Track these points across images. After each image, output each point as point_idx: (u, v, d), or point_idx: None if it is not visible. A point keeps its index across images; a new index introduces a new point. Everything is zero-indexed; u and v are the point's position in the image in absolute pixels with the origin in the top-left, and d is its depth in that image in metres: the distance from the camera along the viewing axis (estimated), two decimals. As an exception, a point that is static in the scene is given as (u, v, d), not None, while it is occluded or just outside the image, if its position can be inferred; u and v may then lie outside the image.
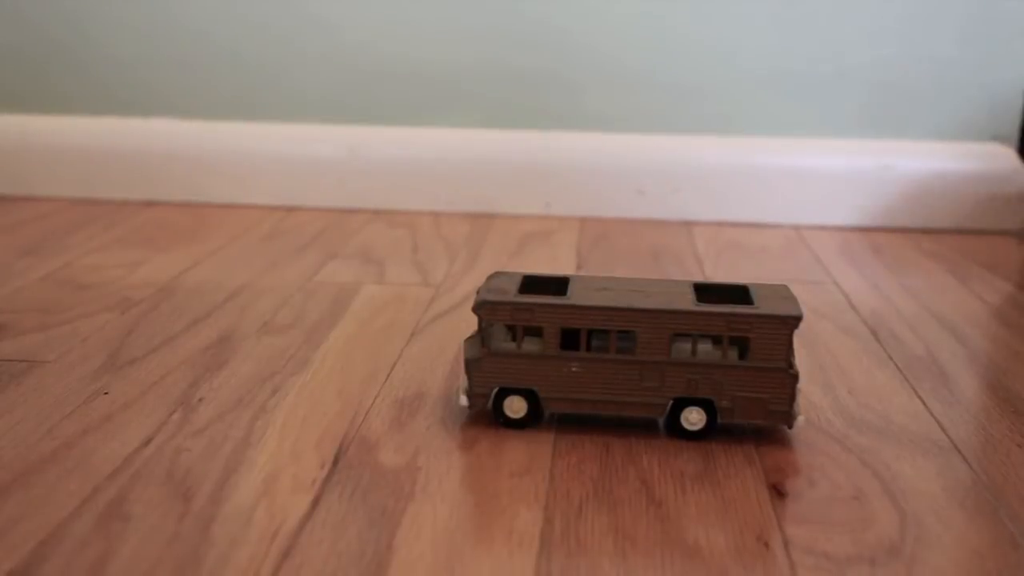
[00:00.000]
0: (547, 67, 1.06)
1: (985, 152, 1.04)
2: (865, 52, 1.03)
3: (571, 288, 0.55)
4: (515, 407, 0.54)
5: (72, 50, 1.10)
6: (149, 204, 1.10)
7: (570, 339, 0.55)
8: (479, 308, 0.53)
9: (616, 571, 0.41)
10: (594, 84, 1.06)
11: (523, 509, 0.46)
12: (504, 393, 0.54)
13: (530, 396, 0.54)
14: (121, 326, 0.70)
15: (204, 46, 1.09)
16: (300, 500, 0.47)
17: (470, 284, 0.82)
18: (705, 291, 0.57)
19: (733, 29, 1.03)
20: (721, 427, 0.55)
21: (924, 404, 0.59)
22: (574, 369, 0.53)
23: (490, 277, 0.57)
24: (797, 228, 1.05)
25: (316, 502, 0.46)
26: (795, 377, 0.52)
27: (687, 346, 0.53)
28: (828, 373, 0.64)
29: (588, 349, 0.53)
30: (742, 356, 0.53)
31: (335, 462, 0.50)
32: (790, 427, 0.53)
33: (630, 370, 0.53)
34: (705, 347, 0.54)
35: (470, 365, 0.54)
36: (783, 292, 0.55)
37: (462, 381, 0.59)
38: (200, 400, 0.58)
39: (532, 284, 0.57)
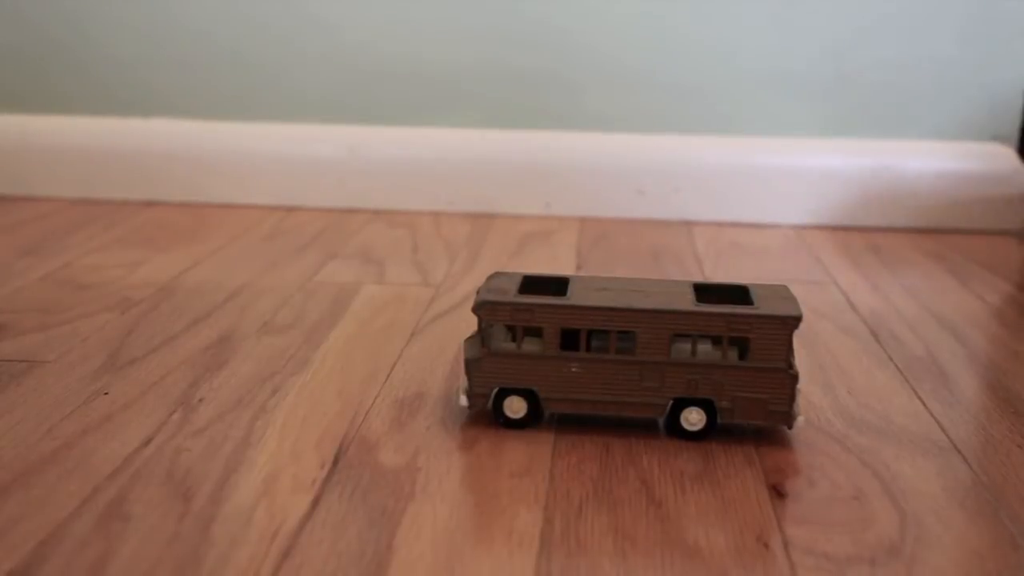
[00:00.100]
0: (547, 67, 1.06)
1: (985, 152, 1.04)
2: (865, 52, 1.03)
3: (571, 288, 0.55)
4: (515, 407, 0.54)
5: (72, 50, 1.10)
6: (149, 204, 1.10)
7: (570, 339, 0.55)
8: (479, 308, 0.53)
9: (616, 571, 0.41)
10: (594, 84, 1.06)
11: (523, 509, 0.46)
12: (504, 393, 0.54)
13: (530, 396, 0.54)
14: (121, 326, 0.70)
15: (204, 46, 1.09)
16: (300, 500, 0.47)
17: (470, 284, 0.82)
18: (705, 291, 0.57)
19: (733, 29, 1.03)
20: (721, 427, 0.55)
21: (924, 404, 0.59)
22: (574, 369, 0.53)
23: (490, 277, 0.57)
24: (797, 228, 1.05)
25: (316, 502, 0.46)
26: (795, 377, 0.52)
27: (687, 346, 0.53)
28: (828, 373, 0.64)
29: (588, 349, 0.53)
30: (742, 356, 0.53)
31: (335, 462, 0.50)
32: (790, 427, 0.53)
33: (630, 370, 0.53)
34: (705, 347, 0.54)
35: (470, 365, 0.54)
36: (783, 292, 0.55)
37: (462, 381, 0.59)
38: (200, 400, 0.58)
39: (532, 284, 0.57)
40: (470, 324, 0.72)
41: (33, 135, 1.11)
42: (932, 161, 1.04)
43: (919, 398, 0.60)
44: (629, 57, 1.05)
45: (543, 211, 1.08)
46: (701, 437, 0.54)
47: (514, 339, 0.54)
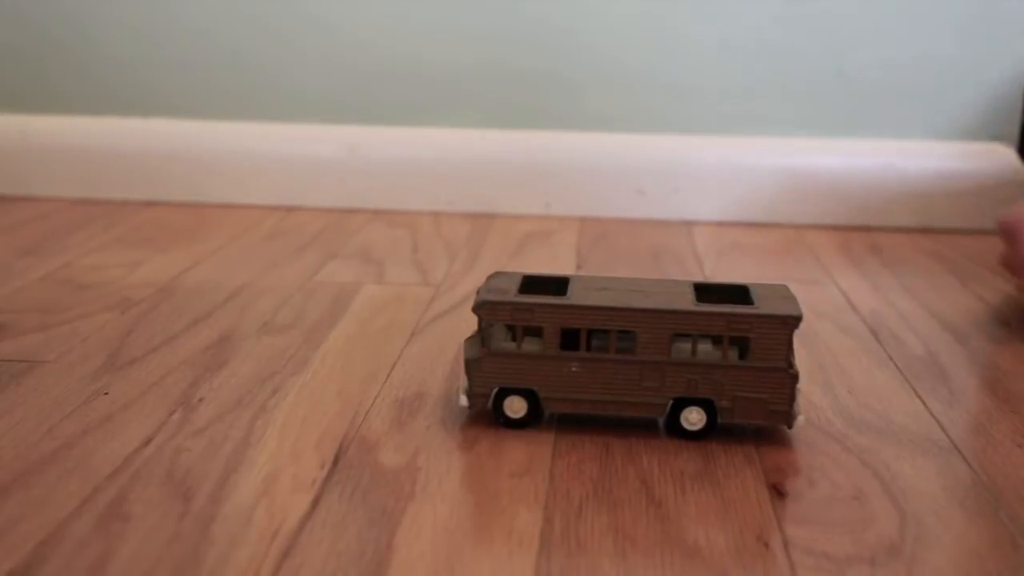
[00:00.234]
0: (547, 67, 1.06)
1: (985, 152, 1.04)
2: (865, 52, 1.03)
3: (571, 288, 0.55)
4: (515, 407, 0.54)
5: (72, 50, 1.10)
6: (149, 204, 1.10)
7: (570, 339, 0.55)
8: (479, 308, 0.53)
9: (616, 571, 0.41)
10: (594, 84, 1.06)
11: (523, 509, 0.46)
12: (504, 393, 0.54)
13: (530, 396, 0.54)
14: (121, 326, 0.70)
15: (204, 46, 1.09)
16: (300, 500, 0.47)
17: (470, 284, 0.82)
18: (705, 291, 0.57)
19: (733, 29, 1.03)
20: (721, 427, 0.55)
21: (924, 404, 0.59)
22: (574, 369, 0.53)
23: (490, 277, 0.57)
24: (797, 228, 1.05)
25: (316, 502, 0.46)
26: (795, 377, 0.52)
27: (687, 346, 0.53)
28: (828, 373, 0.64)
29: (588, 349, 0.53)
30: (742, 356, 0.53)
31: (335, 462, 0.50)
32: (790, 427, 0.53)
33: (630, 370, 0.53)
34: (705, 347, 0.54)
35: (470, 365, 0.54)
36: (783, 292, 0.55)
37: (462, 381, 0.59)
38: (200, 400, 0.58)
39: (532, 284, 0.57)
40: (470, 324, 0.72)
41: (33, 135, 1.11)
42: (932, 161, 1.04)
43: (919, 398, 0.60)
44: (629, 57, 1.05)
45: (543, 211, 1.08)
46: (701, 437, 0.54)
47: (514, 339, 0.54)
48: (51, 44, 1.10)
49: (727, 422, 0.54)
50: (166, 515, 0.45)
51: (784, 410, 0.53)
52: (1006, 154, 1.04)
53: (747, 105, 1.05)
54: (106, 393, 0.58)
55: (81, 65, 1.11)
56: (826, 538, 0.44)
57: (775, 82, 1.04)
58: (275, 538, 0.43)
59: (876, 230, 1.04)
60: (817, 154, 1.05)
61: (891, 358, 0.67)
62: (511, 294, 0.53)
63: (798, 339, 0.70)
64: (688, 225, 1.05)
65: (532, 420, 0.54)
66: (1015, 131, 1.04)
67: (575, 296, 0.53)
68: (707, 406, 0.53)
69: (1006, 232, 0.67)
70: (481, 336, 0.55)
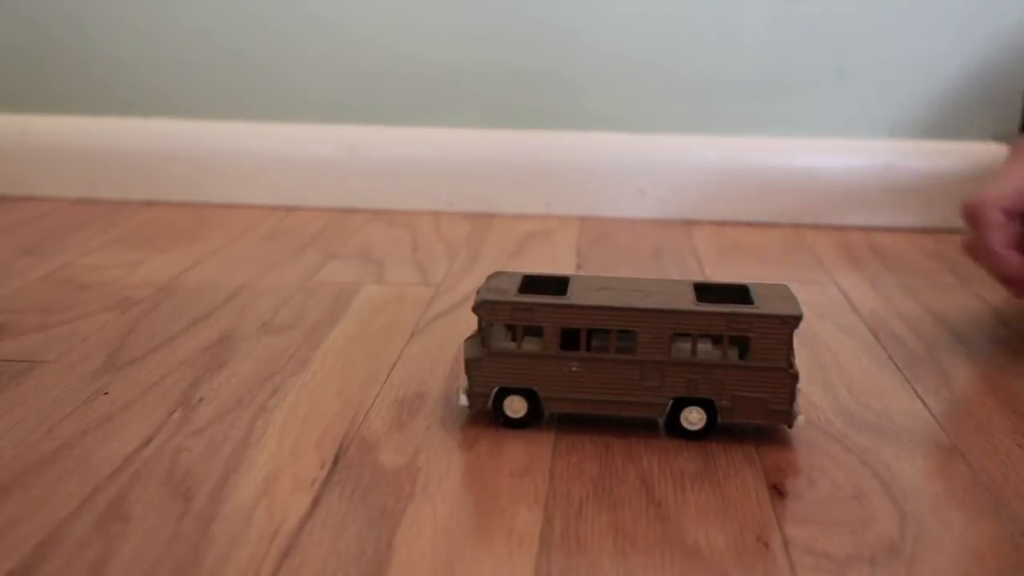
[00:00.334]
0: (547, 67, 1.06)
1: (985, 152, 1.04)
2: (865, 52, 1.03)
3: (571, 288, 0.55)
4: (515, 407, 0.54)
5: (72, 50, 1.10)
6: (149, 204, 1.10)
7: (570, 339, 0.55)
8: (479, 308, 0.53)
9: (616, 571, 0.41)
10: (594, 84, 1.06)
11: (523, 509, 0.46)
12: (504, 393, 0.54)
13: (530, 396, 0.54)
14: (121, 326, 0.70)
15: (204, 46, 1.09)
16: (300, 500, 0.47)
17: (470, 284, 0.82)
18: (705, 291, 0.57)
19: (733, 29, 1.03)
20: (721, 427, 0.55)
21: (924, 404, 0.59)
22: (574, 369, 0.53)
23: (490, 277, 0.57)
24: (797, 228, 1.05)
25: (316, 502, 0.46)
26: (795, 377, 0.52)
27: (687, 346, 0.53)
28: (828, 373, 0.64)
29: (588, 349, 0.53)
30: (742, 356, 0.53)
31: (335, 462, 0.50)
32: (790, 427, 0.53)
33: (630, 370, 0.53)
34: (705, 347, 0.54)
35: (470, 365, 0.54)
36: (783, 292, 0.55)
37: (462, 381, 0.59)
38: (200, 400, 0.58)
39: (532, 284, 0.57)
40: (470, 324, 0.72)
41: (33, 135, 1.11)
42: (932, 161, 1.04)
43: (919, 398, 0.60)
44: (629, 57, 1.05)
45: (543, 211, 1.08)
46: (701, 437, 0.54)
47: (514, 339, 0.54)
48: (51, 44, 1.10)
49: (727, 422, 0.54)
50: (166, 515, 0.45)
51: (784, 410, 0.53)
52: (1006, 154, 1.04)
53: (747, 105, 1.05)
54: (106, 393, 0.58)
55: (81, 65, 1.11)
56: (826, 538, 0.44)
57: (775, 82, 1.04)
58: (275, 538, 0.43)
59: (876, 230, 1.04)
60: (817, 154, 1.05)
61: (891, 358, 0.67)
62: (511, 294, 0.53)
63: (798, 339, 0.70)
64: (688, 225, 1.05)
65: (532, 420, 0.54)
66: (1015, 131, 1.04)
67: (575, 296, 0.53)
68: (707, 406, 0.53)
69: (969, 216, 0.67)
70: (481, 336, 0.55)
